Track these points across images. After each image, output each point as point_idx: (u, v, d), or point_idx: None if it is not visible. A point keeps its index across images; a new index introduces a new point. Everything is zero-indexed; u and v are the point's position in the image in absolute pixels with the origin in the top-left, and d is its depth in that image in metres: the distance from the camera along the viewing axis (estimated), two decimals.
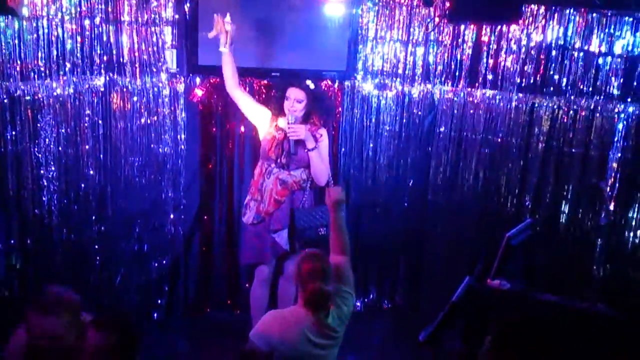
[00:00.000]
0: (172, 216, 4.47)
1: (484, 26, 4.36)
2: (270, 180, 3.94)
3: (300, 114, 3.91)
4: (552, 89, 4.38)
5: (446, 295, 3.32)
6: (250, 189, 4.06)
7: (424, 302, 4.93)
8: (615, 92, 4.26)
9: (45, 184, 3.80)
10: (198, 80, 4.38)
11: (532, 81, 4.41)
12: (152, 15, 4.04)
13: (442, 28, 4.49)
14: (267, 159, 3.96)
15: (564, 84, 4.35)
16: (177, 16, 4.14)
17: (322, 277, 2.87)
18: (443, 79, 4.60)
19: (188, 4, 4.13)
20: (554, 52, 4.33)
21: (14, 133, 3.57)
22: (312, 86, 4.08)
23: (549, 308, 3.16)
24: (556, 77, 4.36)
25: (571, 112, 4.38)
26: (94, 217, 4.10)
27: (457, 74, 4.56)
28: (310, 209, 4.04)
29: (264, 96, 4.45)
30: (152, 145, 4.28)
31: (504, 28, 4.34)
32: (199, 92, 4.35)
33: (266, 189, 3.94)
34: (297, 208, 4.00)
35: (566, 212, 4.49)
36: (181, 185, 4.48)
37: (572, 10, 4.23)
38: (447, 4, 4.10)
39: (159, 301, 4.55)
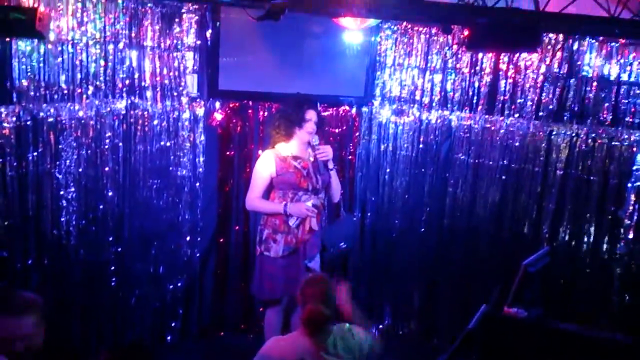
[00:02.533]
0: (188, 238, 4.49)
1: (502, 54, 4.39)
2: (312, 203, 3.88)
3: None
4: (570, 116, 4.37)
5: (462, 322, 3.29)
6: (268, 222, 3.93)
7: (439, 328, 4.88)
8: (635, 120, 4.23)
9: (65, 204, 3.82)
10: (218, 104, 4.43)
11: (550, 108, 4.40)
12: (175, 41, 4.12)
13: (460, 56, 4.53)
14: (294, 189, 3.87)
15: (582, 111, 4.34)
16: (199, 42, 4.21)
17: (322, 301, 2.86)
18: (460, 105, 4.61)
19: (210, 30, 4.21)
20: (572, 80, 4.33)
21: (35, 154, 3.62)
22: (319, 107, 4.06)
23: (566, 337, 3.11)
24: (574, 105, 4.35)
25: (589, 140, 4.35)
26: (111, 238, 4.12)
27: (474, 100, 4.57)
28: (334, 225, 4.06)
29: None
30: (170, 168, 4.32)
31: (522, 55, 4.36)
32: (218, 116, 4.41)
33: (296, 225, 3.86)
34: (325, 228, 4.00)
35: (584, 240, 4.43)
36: (198, 208, 4.51)
37: (590, 39, 4.23)
38: (466, 32, 4.12)
39: (173, 324, 4.54)
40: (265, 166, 3.89)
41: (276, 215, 3.88)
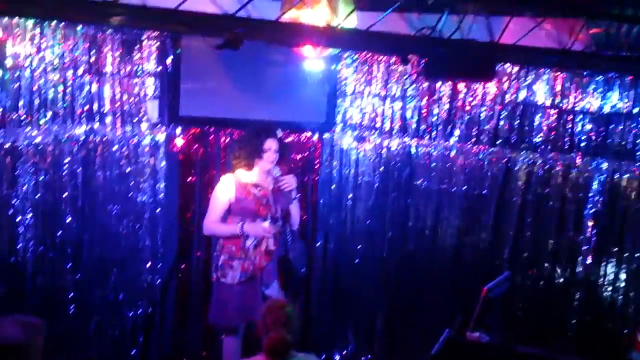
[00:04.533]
0: (149, 265, 4.45)
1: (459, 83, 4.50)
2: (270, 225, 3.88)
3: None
4: (528, 143, 4.48)
5: (425, 347, 3.32)
6: (224, 248, 3.92)
7: (402, 354, 4.88)
8: (590, 148, 4.36)
9: (22, 230, 3.78)
10: (179, 130, 4.44)
11: (508, 136, 4.51)
12: (135, 67, 4.13)
13: (419, 84, 4.62)
14: (251, 217, 3.86)
15: (539, 139, 4.45)
16: (159, 68, 4.23)
17: (284, 326, 2.87)
18: (420, 132, 4.69)
19: (171, 57, 4.23)
20: (529, 109, 4.45)
21: None
22: (280, 134, 4.03)
23: None
24: (532, 132, 4.47)
25: (547, 166, 4.46)
26: (69, 265, 4.06)
27: (433, 128, 4.65)
28: (299, 251, 4.05)
29: None
30: (130, 194, 4.29)
31: (480, 85, 4.47)
32: (179, 142, 4.42)
33: (253, 245, 3.87)
34: (288, 254, 3.97)
35: (544, 264, 4.52)
36: (159, 234, 4.48)
37: (546, 70, 4.36)
38: (423, 62, 4.22)
39: (133, 351, 4.47)
40: (225, 191, 3.89)
41: (232, 241, 3.87)
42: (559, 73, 4.36)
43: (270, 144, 3.87)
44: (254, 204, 3.86)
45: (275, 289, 3.98)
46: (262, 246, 3.88)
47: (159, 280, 4.53)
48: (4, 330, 2.41)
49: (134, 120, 4.21)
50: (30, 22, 3.49)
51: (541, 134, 4.46)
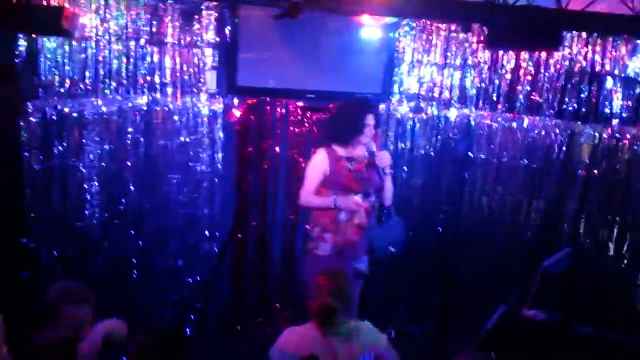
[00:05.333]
0: (207, 233, 4.54)
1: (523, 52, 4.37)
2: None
3: None
4: (593, 115, 4.34)
5: (479, 323, 3.29)
6: (318, 221, 3.87)
7: (456, 329, 4.86)
8: None
9: (88, 197, 3.91)
10: (236, 100, 4.47)
11: (572, 108, 4.38)
12: (194, 38, 4.15)
13: (480, 53, 4.51)
14: (344, 190, 3.80)
15: (605, 111, 4.31)
16: (218, 38, 4.24)
17: (332, 293, 2.88)
18: (480, 103, 4.59)
19: (229, 27, 4.23)
20: (595, 79, 4.29)
21: (60, 148, 3.71)
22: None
23: (586, 340, 3.10)
24: (598, 104, 4.31)
25: (613, 139, 4.31)
26: (132, 232, 4.19)
27: (494, 98, 4.55)
28: (383, 228, 4.00)
29: (299, 117, 4.54)
30: (190, 163, 4.36)
31: (543, 54, 4.33)
32: (236, 113, 4.45)
33: (345, 218, 3.83)
34: (374, 230, 3.94)
35: (606, 242, 4.39)
36: (217, 203, 4.54)
37: (614, 37, 4.18)
38: (485, 30, 4.11)
39: (191, 317, 4.59)
40: (319, 164, 3.83)
41: (326, 213, 3.83)
42: (629, 40, 4.17)
43: (371, 119, 3.80)
44: (347, 178, 3.81)
45: (366, 264, 3.96)
46: (355, 220, 3.82)
47: (216, 249, 4.62)
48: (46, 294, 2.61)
49: (194, 91, 4.26)
50: None
51: (607, 105, 4.30)
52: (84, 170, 3.84)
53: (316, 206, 3.87)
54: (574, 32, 4.20)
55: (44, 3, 3.30)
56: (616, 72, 4.25)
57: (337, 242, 3.83)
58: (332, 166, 3.81)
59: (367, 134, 3.79)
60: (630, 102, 4.26)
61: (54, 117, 3.63)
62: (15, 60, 3.40)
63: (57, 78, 3.61)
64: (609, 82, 4.28)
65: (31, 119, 3.52)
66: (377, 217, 4.00)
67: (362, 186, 3.82)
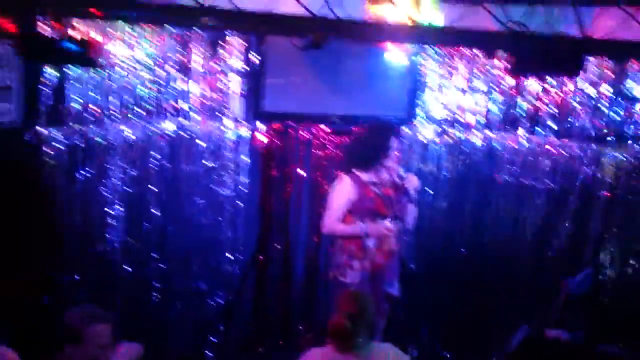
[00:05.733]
0: (229, 256, 4.56)
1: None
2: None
3: None
4: (616, 138, 4.33)
5: (502, 344, 3.27)
6: (344, 248, 3.81)
7: (479, 350, 4.82)
8: None
9: (112, 221, 3.95)
10: (261, 125, 4.49)
11: (595, 130, 4.37)
12: (220, 64, 4.19)
13: (503, 76, 4.50)
14: (371, 216, 3.75)
15: (629, 134, 4.30)
16: (244, 65, 4.27)
17: (349, 315, 2.85)
18: (504, 126, 4.60)
19: (255, 54, 4.26)
20: (620, 103, 4.28)
21: (84, 173, 3.75)
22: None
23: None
24: (621, 126, 4.31)
25: (636, 161, 4.30)
26: (154, 255, 4.22)
27: (518, 122, 4.55)
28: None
29: (323, 141, 4.57)
30: (214, 187, 4.39)
31: (567, 78, 4.32)
32: (261, 137, 4.47)
33: (375, 245, 3.78)
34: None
35: (629, 262, 4.36)
36: (239, 226, 4.57)
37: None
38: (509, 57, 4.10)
39: (213, 339, 4.60)
40: (345, 191, 3.75)
41: (353, 241, 3.77)
42: None
43: (394, 142, 3.77)
44: (376, 203, 3.75)
45: (397, 288, 3.94)
46: (384, 246, 3.79)
47: (239, 271, 4.63)
48: (67, 319, 2.67)
49: (219, 116, 4.29)
50: (122, 22, 3.60)
51: (630, 128, 4.29)
52: (107, 195, 3.88)
53: (344, 234, 3.80)
54: (599, 58, 4.17)
55: (70, 33, 3.34)
56: (637, 95, 4.22)
57: (365, 268, 3.78)
58: (360, 192, 3.74)
59: (392, 157, 3.76)
60: None
61: (80, 144, 3.68)
62: (42, 87, 3.46)
63: (83, 105, 3.65)
64: (631, 105, 4.26)
65: (57, 145, 3.56)
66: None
67: (392, 210, 3.78)
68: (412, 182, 3.81)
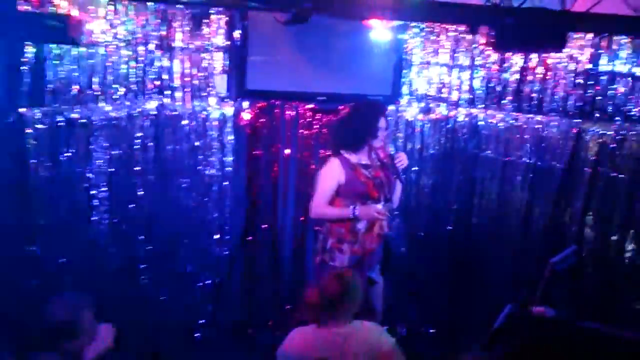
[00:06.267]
0: (217, 237, 4.54)
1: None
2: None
3: None
4: (599, 114, 4.33)
5: (489, 322, 3.28)
6: (332, 231, 3.73)
7: (466, 328, 4.86)
8: None
9: (96, 203, 3.91)
10: (246, 104, 4.46)
11: (579, 106, 4.37)
12: (204, 42, 4.15)
13: (488, 53, 4.50)
14: (362, 199, 3.65)
15: (612, 109, 4.29)
16: (227, 42, 4.23)
17: (332, 293, 2.88)
18: (488, 103, 4.60)
19: (239, 31, 4.22)
20: (602, 78, 4.28)
21: (68, 154, 3.71)
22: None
23: (595, 336, 3.09)
24: (604, 102, 4.30)
25: (619, 137, 4.29)
26: (141, 237, 4.19)
27: (502, 98, 4.55)
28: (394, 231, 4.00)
29: (309, 120, 4.54)
30: (199, 167, 4.36)
31: (550, 54, 4.32)
32: (246, 116, 4.44)
33: (365, 228, 3.70)
34: (389, 235, 3.86)
35: (613, 239, 4.37)
36: (226, 207, 4.54)
37: (620, 37, 4.17)
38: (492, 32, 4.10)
39: (202, 321, 4.59)
40: (334, 174, 3.66)
41: (341, 224, 3.68)
42: (633, 40, 4.14)
43: (383, 122, 3.68)
44: (366, 186, 3.66)
45: (377, 272, 3.90)
46: (375, 230, 3.71)
47: (226, 252, 4.61)
48: (51, 314, 2.59)
49: (203, 95, 4.25)
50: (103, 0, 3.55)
51: (614, 104, 4.28)
52: (91, 177, 3.84)
53: (333, 217, 3.71)
54: (580, 33, 4.18)
55: (50, 10, 3.28)
56: (622, 70, 4.23)
57: (356, 252, 3.70)
58: (348, 175, 3.64)
59: (380, 137, 3.67)
60: (635, 101, 4.23)
61: (62, 124, 3.64)
62: (22, 67, 3.40)
63: (64, 84, 3.61)
64: (615, 81, 4.26)
65: (38, 125, 3.52)
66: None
67: (382, 193, 3.70)
68: (403, 161, 3.73)
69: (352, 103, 3.86)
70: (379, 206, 3.65)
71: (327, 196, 3.68)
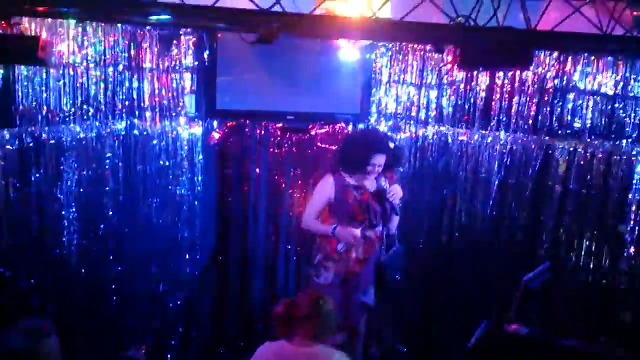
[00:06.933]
0: (187, 256, 4.53)
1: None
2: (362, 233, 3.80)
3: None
4: (568, 131, 4.42)
5: (463, 339, 3.30)
6: (320, 248, 3.89)
7: (439, 346, 4.87)
8: (633, 133, 4.27)
9: (66, 224, 3.89)
10: (215, 123, 4.49)
11: (546, 123, 4.45)
12: (173, 62, 4.18)
13: (455, 72, 4.58)
14: (348, 219, 3.79)
15: (579, 126, 4.39)
16: (196, 63, 4.27)
17: (292, 309, 2.89)
18: (456, 121, 4.66)
19: (207, 51, 4.26)
20: (568, 94, 4.38)
21: (37, 175, 3.70)
22: (392, 146, 3.94)
23: (569, 353, 3.13)
24: (572, 119, 4.40)
25: (588, 154, 4.38)
26: (112, 257, 4.17)
27: (470, 116, 4.62)
28: (390, 257, 3.96)
29: (279, 139, 4.58)
30: (169, 187, 4.37)
31: (517, 72, 4.41)
32: (216, 135, 4.47)
33: (344, 249, 3.81)
34: (383, 261, 3.91)
35: (585, 255, 4.45)
36: (197, 226, 4.55)
37: (585, 55, 4.28)
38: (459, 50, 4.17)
39: (173, 342, 4.56)
40: (325, 190, 3.85)
41: (328, 241, 3.82)
42: (599, 58, 4.27)
43: (379, 160, 3.77)
44: (353, 207, 3.79)
45: (372, 296, 3.94)
46: (352, 253, 3.81)
47: (197, 272, 4.60)
48: (8, 340, 2.43)
49: (173, 115, 4.28)
50: (72, 21, 3.56)
51: (581, 121, 4.38)
52: (61, 197, 3.82)
53: (315, 232, 3.88)
54: (546, 51, 4.27)
55: (18, 31, 3.29)
56: (588, 88, 4.34)
57: (339, 271, 3.80)
58: (338, 194, 3.81)
59: (371, 173, 3.77)
60: (602, 117, 4.34)
61: (31, 145, 3.63)
62: None
63: (33, 105, 3.61)
64: (580, 98, 4.36)
65: (8, 147, 3.51)
66: (386, 246, 3.99)
67: (367, 217, 3.80)
68: (395, 194, 3.83)
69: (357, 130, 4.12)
70: (357, 231, 3.74)
71: (316, 210, 3.87)
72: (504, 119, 4.54)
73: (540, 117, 4.47)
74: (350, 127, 4.68)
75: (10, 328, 2.49)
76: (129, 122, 4.11)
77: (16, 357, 2.42)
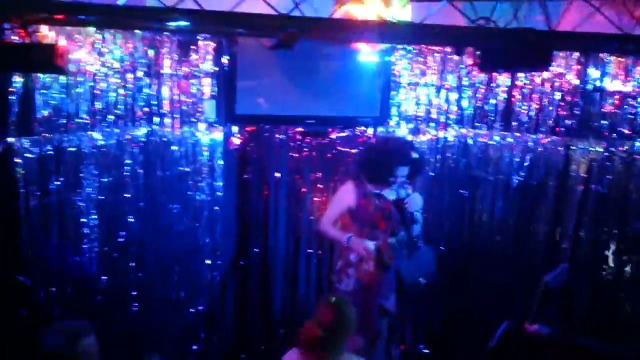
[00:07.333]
0: (208, 262, 4.52)
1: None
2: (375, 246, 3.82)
3: None
4: (588, 131, 4.36)
5: (484, 340, 3.27)
6: (342, 254, 3.92)
7: (460, 346, 4.83)
8: None
9: (87, 231, 3.90)
10: (235, 128, 4.48)
11: (568, 124, 4.40)
12: (192, 68, 4.17)
13: (475, 73, 4.54)
14: (370, 227, 3.82)
15: (600, 126, 4.33)
16: (215, 68, 4.26)
17: (323, 323, 2.83)
18: (477, 122, 4.63)
19: (227, 56, 4.25)
20: (589, 95, 4.33)
21: (57, 183, 3.70)
22: (415, 156, 3.92)
23: (590, 353, 3.10)
24: (593, 120, 4.34)
25: (609, 153, 4.34)
26: (132, 264, 4.17)
27: (491, 117, 4.58)
28: (413, 260, 3.93)
29: (298, 143, 4.56)
30: (189, 193, 4.36)
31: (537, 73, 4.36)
32: (235, 141, 4.46)
33: (355, 259, 3.84)
34: (404, 263, 3.90)
35: (605, 255, 4.40)
36: (217, 232, 4.54)
37: (607, 55, 4.22)
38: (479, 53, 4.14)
39: (195, 347, 4.55)
40: (344, 197, 3.88)
41: (349, 249, 3.84)
42: (620, 58, 4.21)
43: (402, 172, 3.78)
44: (375, 216, 3.81)
45: (393, 302, 3.95)
46: (363, 265, 3.82)
47: (218, 277, 4.59)
48: (48, 341, 2.51)
49: (192, 120, 4.27)
50: (91, 29, 3.57)
51: (601, 121, 4.33)
52: (81, 205, 3.82)
53: (332, 238, 3.92)
54: (567, 51, 4.22)
55: (36, 39, 3.30)
56: (608, 88, 4.28)
57: (360, 278, 3.81)
58: (360, 200, 3.82)
59: (393, 184, 3.77)
60: (623, 117, 4.28)
61: (51, 152, 3.63)
62: (10, 96, 3.41)
63: (53, 113, 3.61)
64: (604, 98, 4.31)
65: (27, 155, 3.51)
66: (407, 250, 3.95)
67: (390, 225, 3.81)
68: (414, 204, 3.82)
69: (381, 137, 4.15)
70: (371, 244, 3.75)
71: (334, 216, 3.91)
72: (525, 120, 4.50)
73: (560, 118, 4.42)
74: (370, 131, 4.65)
75: (50, 329, 2.57)
76: (148, 128, 4.11)
77: (56, 357, 2.50)
